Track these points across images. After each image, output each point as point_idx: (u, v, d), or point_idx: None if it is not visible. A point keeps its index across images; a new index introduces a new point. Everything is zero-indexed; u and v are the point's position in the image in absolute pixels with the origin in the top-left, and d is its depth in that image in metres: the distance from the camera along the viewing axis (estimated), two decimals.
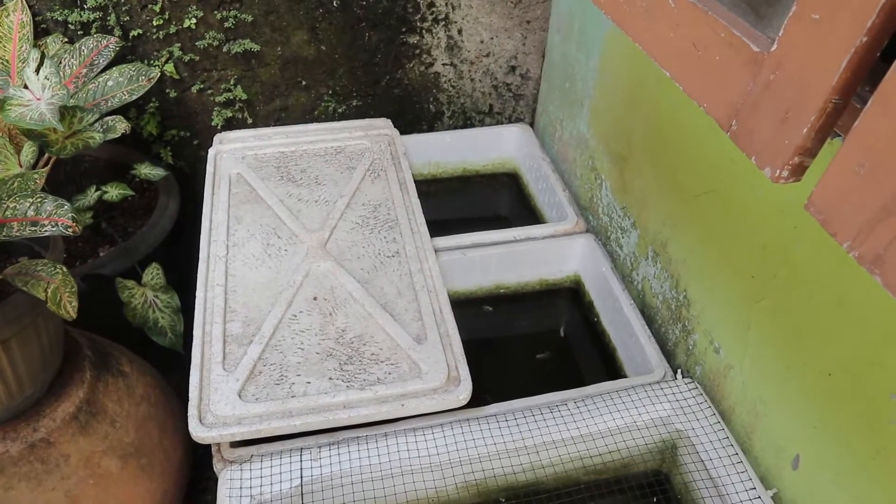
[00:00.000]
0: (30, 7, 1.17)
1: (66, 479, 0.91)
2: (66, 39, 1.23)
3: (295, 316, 1.00)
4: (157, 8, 1.28)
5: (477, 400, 0.92)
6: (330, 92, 1.48)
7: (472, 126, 1.62)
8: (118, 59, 1.21)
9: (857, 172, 0.32)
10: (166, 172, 1.30)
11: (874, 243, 0.31)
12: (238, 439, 0.87)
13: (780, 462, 0.83)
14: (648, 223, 1.10)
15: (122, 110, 1.34)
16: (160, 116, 1.42)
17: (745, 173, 0.84)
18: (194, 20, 1.31)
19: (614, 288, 1.16)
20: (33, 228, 0.76)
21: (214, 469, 0.89)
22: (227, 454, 0.89)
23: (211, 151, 1.31)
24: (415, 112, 1.57)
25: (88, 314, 0.87)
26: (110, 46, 1.14)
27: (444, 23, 1.44)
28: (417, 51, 1.47)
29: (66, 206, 0.77)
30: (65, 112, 0.96)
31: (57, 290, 0.79)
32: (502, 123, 1.63)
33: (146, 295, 1.15)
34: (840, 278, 0.70)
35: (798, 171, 0.37)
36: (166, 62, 1.35)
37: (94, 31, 1.29)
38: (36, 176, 0.82)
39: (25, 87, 0.93)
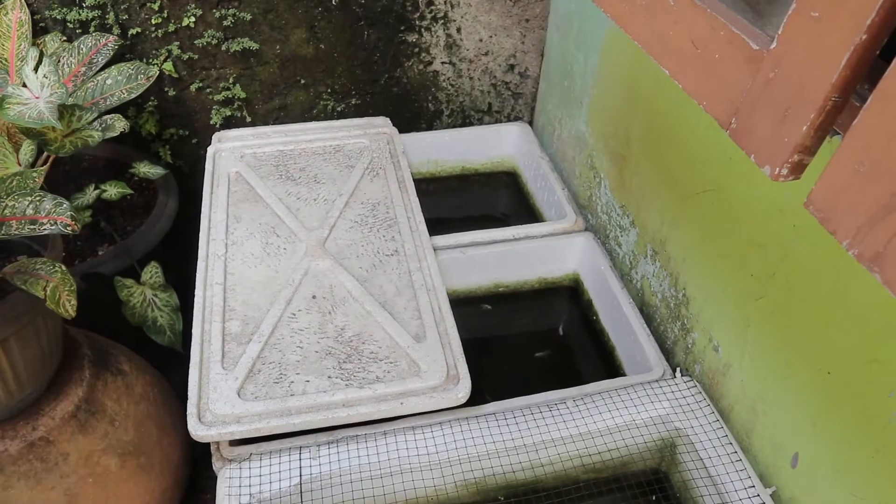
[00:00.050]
0: (28, 5, 1.17)
1: (65, 478, 0.91)
2: (64, 38, 1.23)
3: (294, 314, 1.00)
4: (155, 6, 1.28)
5: (476, 398, 0.92)
6: (329, 90, 1.48)
7: (471, 125, 1.62)
8: (117, 58, 1.21)
9: (856, 170, 0.32)
10: (165, 171, 1.30)
11: (873, 241, 0.31)
12: (237, 438, 0.87)
13: (778, 460, 0.83)
14: (647, 221, 1.10)
15: (121, 109, 1.34)
16: (159, 115, 1.42)
17: (745, 171, 0.84)
18: (193, 18, 1.31)
19: (613, 286, 1.16)
20: (32, 227, 0.76)
21: (213, 467, 0.89)
22: (227, 453, 0.89)
23: (210, 150, 1.31)
24: (413, 111, 1.57)
25: (87, 313, 0.87)
26: (109, 45, 1.14)
27: (442, 21, 1.43)
28: (416, 49, 1.47)
29: (64, 205, 0.77)
30: (63, 110, 0.96)
31: (56, 288, 0.79)
32: (501, 122, 1.63)
33: (145, 293, 1.14)
34: (839, 276, 0.70)
35: (797, 170, 0.37)
36: (165, 61, 1.35)
37: (92, 29, 1.28)
38: (35, 174, 0.82)
39: (24, 85, 0.93)
